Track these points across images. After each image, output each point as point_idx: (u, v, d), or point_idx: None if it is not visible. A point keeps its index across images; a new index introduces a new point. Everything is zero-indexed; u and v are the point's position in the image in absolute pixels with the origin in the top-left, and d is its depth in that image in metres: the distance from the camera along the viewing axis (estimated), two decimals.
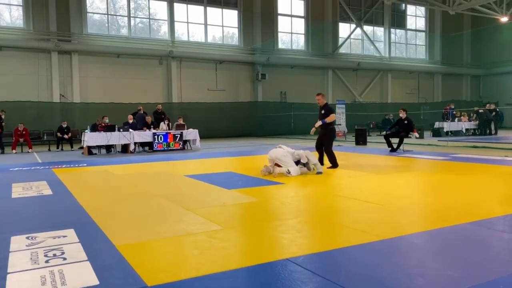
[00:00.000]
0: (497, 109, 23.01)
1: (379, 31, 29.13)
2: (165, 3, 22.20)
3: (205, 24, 23.28)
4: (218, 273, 2.90)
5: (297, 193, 6.04)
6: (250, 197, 5.65)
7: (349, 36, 27.59)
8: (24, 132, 14.25)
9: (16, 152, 13.89)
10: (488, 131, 20.62)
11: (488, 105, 22.62)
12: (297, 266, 3.01)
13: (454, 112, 21.35)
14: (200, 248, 3.46)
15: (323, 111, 8.57)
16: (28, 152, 14.07)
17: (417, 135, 12.00)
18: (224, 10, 23.72)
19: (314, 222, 4.44)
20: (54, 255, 3.28)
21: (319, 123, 8.57)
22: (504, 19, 24.98)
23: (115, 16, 21.67)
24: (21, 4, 19.17)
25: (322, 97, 8.85)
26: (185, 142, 14.58)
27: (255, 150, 13.88)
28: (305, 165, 7.73)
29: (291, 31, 25.99)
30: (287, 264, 3.05)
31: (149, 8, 22.16)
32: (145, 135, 13.74)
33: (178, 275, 2.87)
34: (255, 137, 21.47)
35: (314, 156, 7.91)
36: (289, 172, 7.29)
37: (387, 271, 2.91)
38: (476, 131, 21.12)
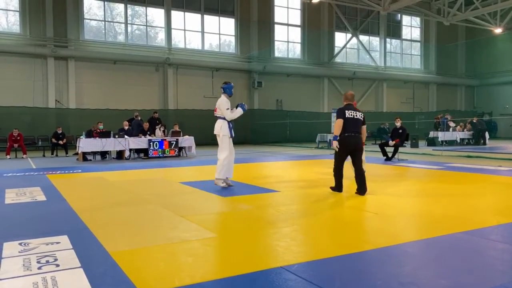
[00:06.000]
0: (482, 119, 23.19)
1: (375, 40, 29.36)
2: (162, 10, 22.29)
3: (202, 32, 23.38)
4: (212, 281, 2.89)
5: (292, 201, 6.03)
6: (245, 205, 5.64)
7: (345, 46, 27.80)
8: (18, 138, 14.17)
9: (10, 158, 13.80)
10: (482, 141, 20.76)
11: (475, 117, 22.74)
12: (292, 274, 3.01)
13: (448, 122, 21.48)
14: (195, 256, 3.45)
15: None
16: (23, 157, 13.99)
17: (392, 143, 12.12)
18: (221, 18, 23.85)
19: (309, 230, 4.44)
20: (47, 261, 3.26)
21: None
22: (498, 31, 25.32)
23: (112, 23, 21.72)
24: (18, 9, 19.19)
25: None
26: (180, 149, 14.55)
27: (250, 158, 13.88)
28: None
29: (288, 40, 26.15)
30: (282, 272, 3.04)
31: (146, 15, 22.23)
32: (140, 142, 13.71)
33: (172, 283, 2.85)
34: (250, 145, 21.48)
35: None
36: None
37: (381, 279, 2.91)
38: (471, 140, 21.26)
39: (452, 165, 10.77)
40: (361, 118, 6.38)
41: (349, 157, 6.55)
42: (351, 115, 6.28)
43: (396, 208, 5.42)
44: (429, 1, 27.11)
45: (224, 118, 7.02)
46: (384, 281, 2.88)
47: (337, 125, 6.29)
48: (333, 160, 6.49)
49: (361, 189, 6.25)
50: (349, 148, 6.29)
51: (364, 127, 6.48)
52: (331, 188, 6.49)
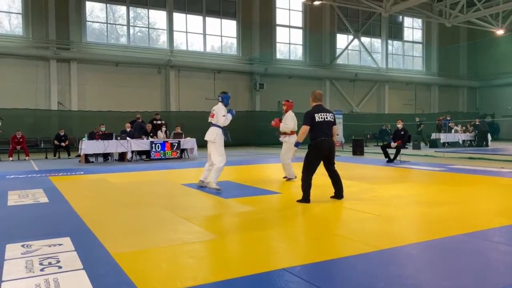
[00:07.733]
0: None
1: (377, 42, 29.36)
2: (164, 13, 22.34)
3: (204, 34, 23.41)
4: (214, 283, 2.89)
5: (294, 203, 6.03)
6: (246, 206, 5.64)
7: (346, 47, 27.79)
8: (21, 140, 14.21)
9: (12, 160, 13.84)
10: (484, 143, 20.71)
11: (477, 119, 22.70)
12: (294, 276, 3.01)
13: (450, 124, 21.44)
14: (196, 258, 3.46)
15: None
16: (25, 159, 14.02)
17: (393, 145, 12.08)
18: (223, 20, 23.88)
19: (311, 231, 4.44)
20: (50, 263, 3.27)
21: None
22: (500, 32, 25.27)
23: (114, 25, 21.78)
24: (21, 12, 19.26)
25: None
26: (182, 150, 14.57)
27: (252, 160, 13.89)
28: None
29: (289, 42, 26.15)
30: (284, 274, 3.04)
31: (148, 17, 22.28)
32: (142, 144, 13.73)
33: (174, 285, 2.86)
34: (252, 147, 21.48)
35: None
36: None
37: (384, 281, 2.90)
38: (473, 142, 21.22)
39: (454, 166, 10.74)
40: (332, 119, 5.97)
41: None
42: (322, 117, 5.85)
43: (398, 210, 5.41)
44: (430, 3, 27.09)
45: (218, 126, 7.20)
46: (386, 282, 2.88)
47: (301, 132, 5.92)
48: (302, 168, 5.97)
49: (340, 193, 6.04)
50: (324, 153, 5.92)
51: (335, 127, 6.04)
52: (298, 201, 5.89)
